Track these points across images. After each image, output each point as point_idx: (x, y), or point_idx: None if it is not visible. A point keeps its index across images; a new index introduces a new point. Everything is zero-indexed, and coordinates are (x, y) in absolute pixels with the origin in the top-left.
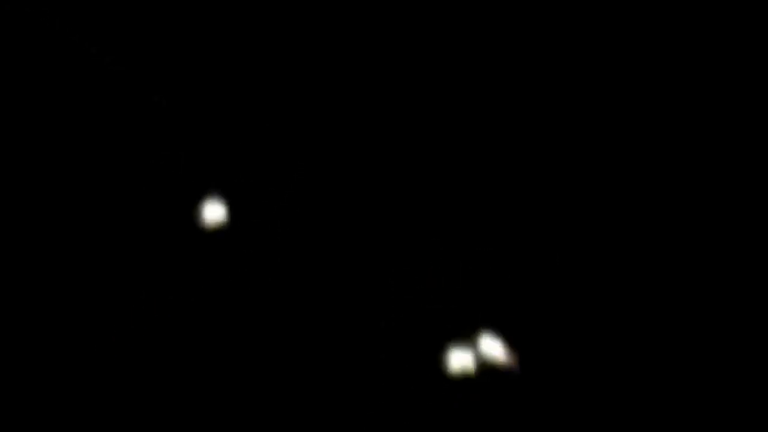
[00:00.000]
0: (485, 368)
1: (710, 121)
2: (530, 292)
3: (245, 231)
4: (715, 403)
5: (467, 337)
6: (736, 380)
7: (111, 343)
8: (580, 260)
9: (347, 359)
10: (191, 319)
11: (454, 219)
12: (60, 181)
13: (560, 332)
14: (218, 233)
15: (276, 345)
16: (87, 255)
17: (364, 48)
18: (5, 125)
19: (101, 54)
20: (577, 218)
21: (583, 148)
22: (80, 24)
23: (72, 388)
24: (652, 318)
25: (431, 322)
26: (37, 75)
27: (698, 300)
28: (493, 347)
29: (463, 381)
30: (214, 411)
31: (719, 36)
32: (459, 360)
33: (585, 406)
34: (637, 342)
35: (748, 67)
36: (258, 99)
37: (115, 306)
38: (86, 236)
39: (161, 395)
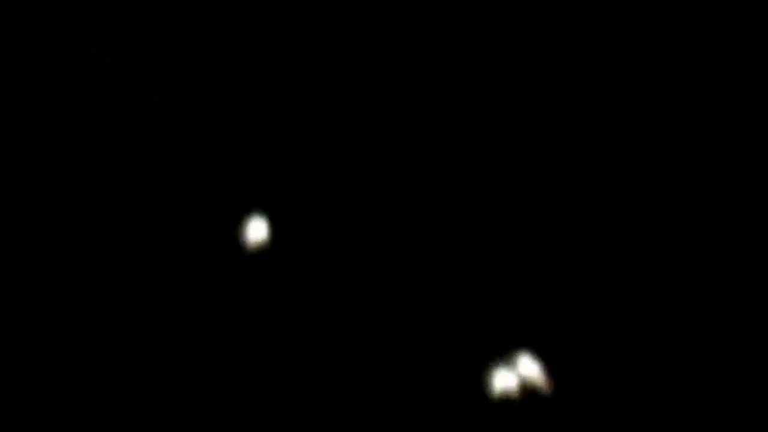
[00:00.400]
0: (526, 390)
1: (710, 121)
2: (565, 311)
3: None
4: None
5: (506, 357)
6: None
7: (143, 360)
8: (609, 275)
9: (386, 379)
10: (225, 329)
11: (487, 240)
12: (60, 183)
13: (597, 352)
14: (224, 233)
15: (316, 362)
16: (102, 266)
17: (365, 48)
18: (5, 125)
19: (101, 54)
20: (606, 234)
21: (587, 149)
22: (80, 24)
23: (104, 402)
24: (688, 340)
25: (470, 340)
26: (37, 75)
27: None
28: (530, 368)
29: (505, 403)
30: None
31: (719, 36)
32: (501, 381)
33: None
34: (673, 364)
35: (748, 68)
36: (259, 100)
37: (148, 320)
38: (92, 244)
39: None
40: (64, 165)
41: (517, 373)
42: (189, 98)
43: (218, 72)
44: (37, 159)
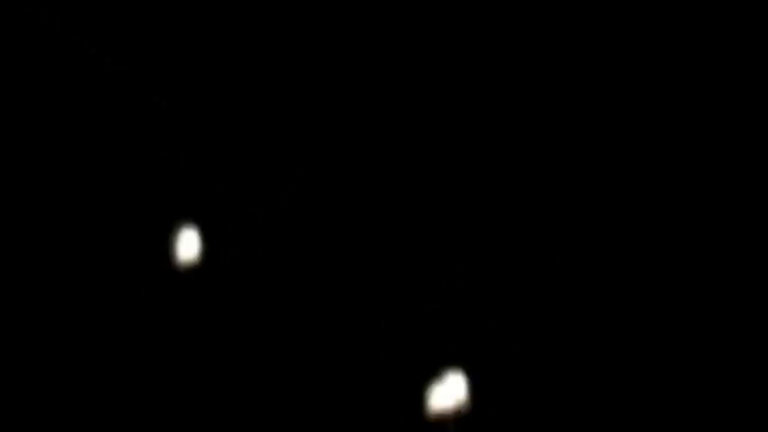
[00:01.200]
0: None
1: (710, 121)
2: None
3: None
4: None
5: (439, 378)
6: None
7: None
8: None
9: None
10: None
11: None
12: (59, 182)
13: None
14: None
15: (246, 382)
16: (77, 258)
17: (364, 50)
18: (5, 125)
19: (101, 54)
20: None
21: (583, 150)
22: (80, 24)
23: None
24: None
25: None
26: (37, 75)
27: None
28: (460, 389)
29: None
30: None
31: (719, 36)
32: (436, 401)
33: None
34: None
35: (748, 68)
36: (257, 100)
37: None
38: (81, 240)
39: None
40: (62, 164)
41: (449, 394)
42: (189, 98)
43: (217, 72)
44: (37, 158)
